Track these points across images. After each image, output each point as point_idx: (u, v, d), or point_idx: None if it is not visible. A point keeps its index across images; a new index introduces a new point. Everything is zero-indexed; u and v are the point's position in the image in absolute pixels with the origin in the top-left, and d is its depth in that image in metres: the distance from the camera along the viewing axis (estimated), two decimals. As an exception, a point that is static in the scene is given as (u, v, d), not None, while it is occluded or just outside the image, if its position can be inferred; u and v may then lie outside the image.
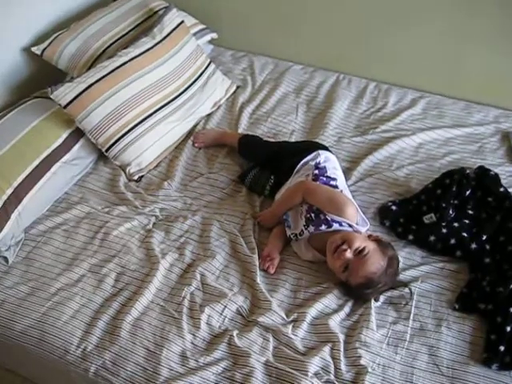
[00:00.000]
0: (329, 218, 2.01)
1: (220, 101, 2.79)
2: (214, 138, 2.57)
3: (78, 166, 2.39)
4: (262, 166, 2.35)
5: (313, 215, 2.05)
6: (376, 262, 1.89)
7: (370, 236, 2.01)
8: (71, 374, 1.82)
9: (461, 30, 2.69)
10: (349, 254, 1.90)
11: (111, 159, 2.43)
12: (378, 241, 1.98)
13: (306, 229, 2.06)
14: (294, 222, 2.13)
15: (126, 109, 2.38)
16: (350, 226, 2.00)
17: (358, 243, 1.91)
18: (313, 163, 2.23)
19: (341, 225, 2.00)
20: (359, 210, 2.07)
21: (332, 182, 2.15)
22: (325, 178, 2.15)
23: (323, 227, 2.02)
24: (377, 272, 1.88)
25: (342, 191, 2.12)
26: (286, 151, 2.35)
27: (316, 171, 2.18)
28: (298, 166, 2.25)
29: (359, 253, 1.90)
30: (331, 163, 2.26)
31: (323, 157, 2.25)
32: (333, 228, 2.01)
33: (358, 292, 1.92)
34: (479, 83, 2.82)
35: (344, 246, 1.91)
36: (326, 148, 2.35)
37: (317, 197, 2.07)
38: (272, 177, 2.29)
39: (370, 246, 1.92)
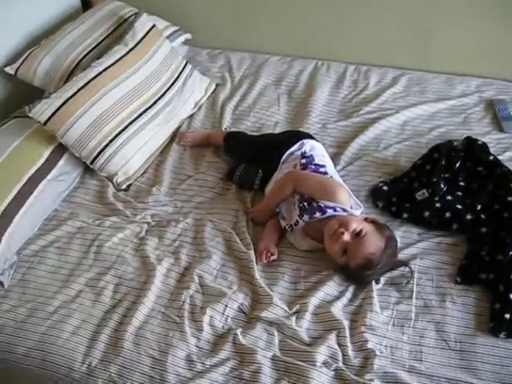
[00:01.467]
0: (322, 205, 1.99)
1: (201, 100, 2.77)
2: (200, 138, 2.56)
3: (64, 181, 2.37)
4: (248, 162, 2.33)
5: (306, 204, 2.04)
6: (374, 243, 1.87)
7: (366, 219, 1.99)
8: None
9: (432, 3, 2.68)
10: (347, 237, 1.88)
11: (97, 171, 2.41)
12: (374, 222, 1.97)
13: (300, 218, 2.04)
14: (287, 213, 2.11)
15: (107, 119, 2.36)
16: (345, 210, 1.99)
17: (355, 225, 1.89)
18: (299, 153, 2.21)
19: (335, 210, 1.99)
20: (351, 193, 2.06)
21: (321, 169, 2.14)
22: (313, 166, 2.14)
23: (318, 214, 2.00)
24: (376, 252, 1.86)
25: (331, 177, 2.11)
26: (271, 144, 2.34)
27: (303, 160, 2.17)
28: (284, 156, 2.23)
29: (357, 235, 1.89)
30: (318, 151, 2.24)
31: (308, 146, 2.24)
32: (327, 214, 1.99)
33: (358, 274, 1.91)
34: (458, 54, 2.83)
35: (341, 230, 1.90)
36: (310, 136, 2.34)
37: (307, 185, 2.06)
38: (260, 171, 2.27)
39: (368, 228, 1.90)
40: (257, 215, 2.18)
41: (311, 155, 2.20)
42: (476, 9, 2.64)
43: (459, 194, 2.13)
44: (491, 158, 2.22)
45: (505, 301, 1.80)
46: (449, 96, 2.68)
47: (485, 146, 2.27)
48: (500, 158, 2.26)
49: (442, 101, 2.64)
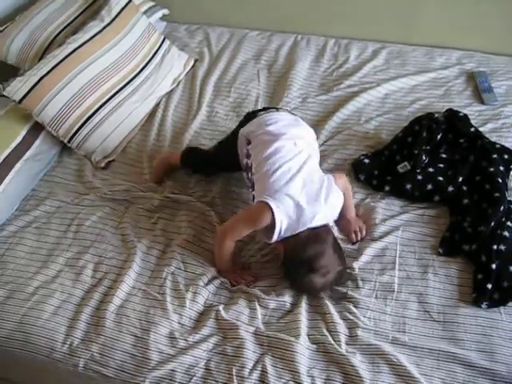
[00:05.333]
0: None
1: (179, 77, 2.73)
2: (163, 168, 2.29)
3: (41, 161, 2.33)
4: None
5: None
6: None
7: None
8: (60, 372, 1.78)
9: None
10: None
11: (75, 149, 2.37)
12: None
13: None
14: None
15: (83, 96, 2.32)
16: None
17: None
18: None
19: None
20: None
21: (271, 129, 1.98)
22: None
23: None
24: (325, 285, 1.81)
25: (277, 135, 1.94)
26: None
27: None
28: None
29: None
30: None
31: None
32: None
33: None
34: (438, 27, 2.80)
35: None
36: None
37: (238, 230, 1.89)
38: None
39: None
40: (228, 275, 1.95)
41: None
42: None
43: (441, 166, 2.12)
44: (472, 129, 2.21)
45: (487, 271, 1.80)
46: (429, 68, 2.65)
47: (466, 117, 2.26)
48: (481, 129, 2.25)
49: (422, 73, 2.61)
